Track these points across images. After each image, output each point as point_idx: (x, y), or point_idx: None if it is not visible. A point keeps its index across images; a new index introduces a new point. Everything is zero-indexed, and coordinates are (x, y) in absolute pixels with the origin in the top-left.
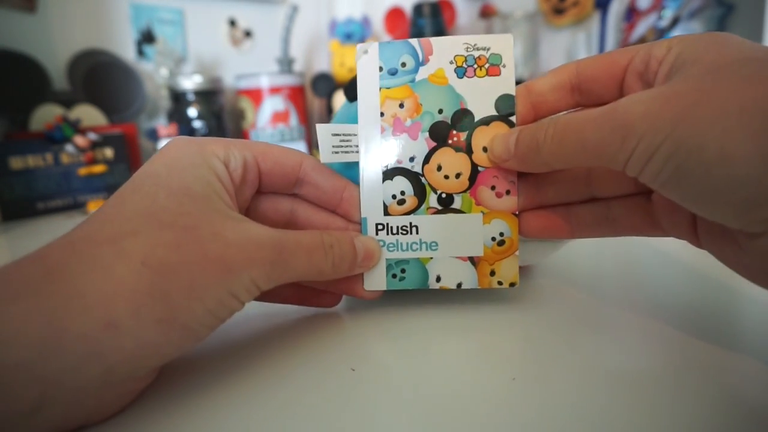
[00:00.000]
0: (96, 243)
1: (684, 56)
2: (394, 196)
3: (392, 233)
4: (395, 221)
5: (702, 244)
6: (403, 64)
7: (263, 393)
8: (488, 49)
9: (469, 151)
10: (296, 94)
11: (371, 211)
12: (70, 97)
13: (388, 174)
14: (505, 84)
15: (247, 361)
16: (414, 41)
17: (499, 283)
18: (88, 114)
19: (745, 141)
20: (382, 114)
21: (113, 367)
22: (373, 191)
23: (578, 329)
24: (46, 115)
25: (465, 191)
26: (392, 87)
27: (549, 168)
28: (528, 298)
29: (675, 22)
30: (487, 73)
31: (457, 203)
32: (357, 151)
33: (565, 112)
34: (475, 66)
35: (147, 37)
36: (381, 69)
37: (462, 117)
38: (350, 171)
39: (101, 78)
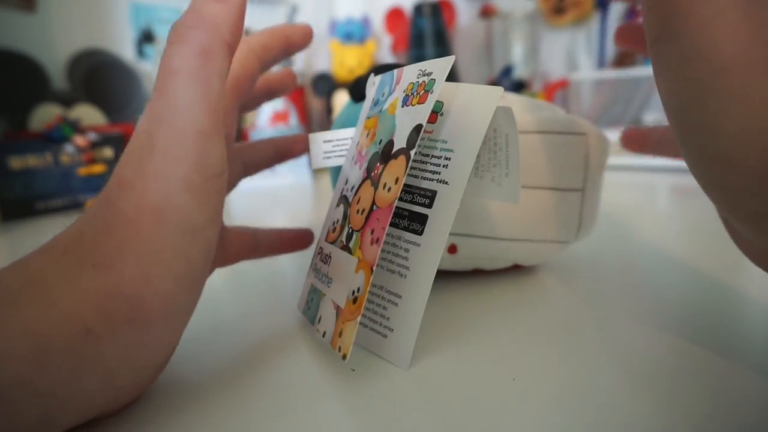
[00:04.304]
0: (65, 252)
1: None
2: (333, 223)
3: (321, 261)
4: (327, 248)
5: None
6: (383, 94)
7: (261, 394)
8: (430, 74)
9: (376, 186)
10: (296, 94)
11: (322, 236)
12: (70, 97)
13: (337, 201)
14: (423, 113)
15: (245, 364)
16: (395, 70)
17: (339, 349)
18: (88, 114)
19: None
20: (358, 143)
21: (113, 372)
22: (327, 217)
23: (578, 330)
24: (46, 114)
25: (359, 230)
26: (371, 117)
27: None
28: (528, 299)
29: None
30: (419, 101)
31: (352, 241)
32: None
33: None
34: (416, 93)
35: (147, 37)
36: (373, 99)
37: (389, 149)
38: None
39: (101, 78)
